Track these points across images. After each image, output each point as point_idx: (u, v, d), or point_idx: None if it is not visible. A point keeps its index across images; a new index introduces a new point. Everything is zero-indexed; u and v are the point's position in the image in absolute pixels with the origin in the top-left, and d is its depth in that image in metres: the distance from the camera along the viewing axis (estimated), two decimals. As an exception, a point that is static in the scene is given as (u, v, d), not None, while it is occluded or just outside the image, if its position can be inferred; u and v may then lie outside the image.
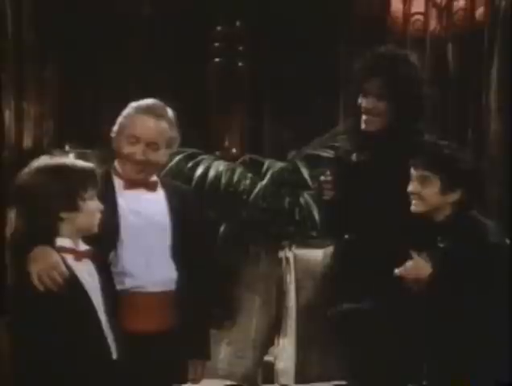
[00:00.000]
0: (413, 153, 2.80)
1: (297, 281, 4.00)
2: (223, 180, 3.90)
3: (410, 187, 2.68)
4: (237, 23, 4.57)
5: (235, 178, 3.91)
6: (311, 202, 3.88)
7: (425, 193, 2.66)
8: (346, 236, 2.85)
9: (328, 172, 2.88)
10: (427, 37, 4.74)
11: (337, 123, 4.58)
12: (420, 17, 4.79)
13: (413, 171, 2.70)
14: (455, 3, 4.75)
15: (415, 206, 2.68)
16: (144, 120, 2.72)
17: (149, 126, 2.71)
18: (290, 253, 4.00)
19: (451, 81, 4.70)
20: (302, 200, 3.91)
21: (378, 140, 2.85)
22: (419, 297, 2.63)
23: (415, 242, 2.66)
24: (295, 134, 4.63)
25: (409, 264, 2.61)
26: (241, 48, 4.59)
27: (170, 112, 2.81)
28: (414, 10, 4.80)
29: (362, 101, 2.85)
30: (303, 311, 3.98)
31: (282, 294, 3.99)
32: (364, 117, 2.84)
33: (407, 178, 2.74)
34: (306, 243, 4.00)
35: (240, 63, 4.59)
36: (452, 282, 2.57)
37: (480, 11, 4.71)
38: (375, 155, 2.86)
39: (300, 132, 4.62)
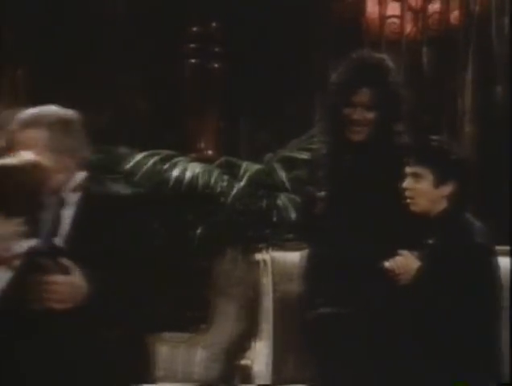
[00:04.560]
0: (394, 154, 2.80)
1: (274, 283, 3.97)
2: (200, 182, 3.86)
3: (405, 184, 2.69)
4: (213, 24, 4.53)
5: (212, 180, 3.88)
6: (288, 204, 3.86)
7: (419, 189, 2.66)
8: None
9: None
10: (403, 40, 4.75)
11: (313, 125, 4.57)
12: (396, 20, 4.80)
13: (407, 168, 2.70)
14: (430, 6, 4.77)
15: (413, 205, 2.68)
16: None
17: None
18: (266, 256, 3.98)
19: (426, 84, 4.72)
20: (279, 202, 3.89)
21: (361, 145, 2.84)
22: (401, 296, 2.62)
23: (404, 240, 2.65)
24: (271, 136, 4.61)
25: (398, 257, 2.61)
26: (216, 49, 4.56)
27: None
28: (389, 12, 4.81)
29: (350, 112, 2.82)
30: (279, 314, 3.95)
31: (258, 297, 3.96)
32: (351, 128, 2.83)
33: (391, 178, 2.74)
34: (283, 245, 3.98)
35: (216, 65, 4.56)
36: (436, 279, 2.57)
37: (454, 14, 4.74)
38: (357, 159, 2.85)
39: (276, 134, 4.60)
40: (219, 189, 3.89)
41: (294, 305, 3.93)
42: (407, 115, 2.96)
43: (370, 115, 2.83)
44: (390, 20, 4.81)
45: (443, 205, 2.66)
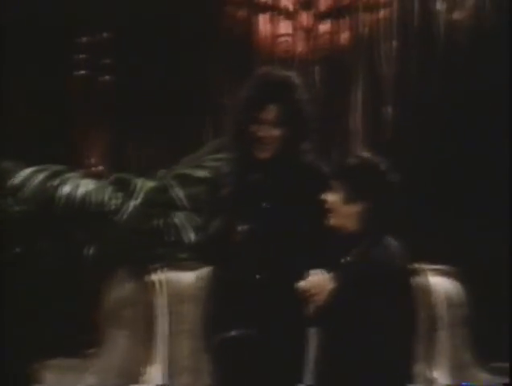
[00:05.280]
0: (301, 172, 2.76)
1: (168, 305, 3.84)
2: (93, 200, 3.68)
3: (323, 195, 2.64)
4: (104, 34, 4.37)
5: (105, 197, 3.71)
6: (184, 222, 3.75)
7: (331, 202, 2.62)
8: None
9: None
10: (295, 58, 4.77)
11: (204, 141, 4.50)
12: (287, 38, 4.81)
13: (328, 181, 2.66)
14: (321, 27, 4.82)
15: (328, 218, 2.63)
16: None
17: None
18: (161, 276, 3.84)
19: (317, 103, 4.74)
20: (176, 221, 3.78)
21: (267, 162, 2.77)
22: (314, 316, 2.57)
23: (321, 259, 2.60)
24: (162, 152, 4.49)
25: (312, 277, 2.56)
26: (107, 61, 4.39)
27: None
28: (281, 31, 4.82)
29: (255, 129, 2.74)
30: (174, 337, 3.82)
31: (152, 319, 3.81)
32: (256, 145, 2.75)
33: (300, 196, 2.69)
34: (178, 265, 3.86)
35: (106, 77, 4.39)
36: (349, 300, 2.53)
37: (345, 36, 4.80)
38: (264, 177, 2.77)
39: (167, 150, 4.49)
40: (113, 207, 3.73)
41: (189, 327, 3.84)
42: (314, 133, 2.91)
43: (276, 132, 2.76)
44: (281, 38, 4.82)
45: (355, 223, 2.62)
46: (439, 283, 4.00)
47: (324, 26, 4.81)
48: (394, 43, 4.76)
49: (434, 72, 4.69)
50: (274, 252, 2.70)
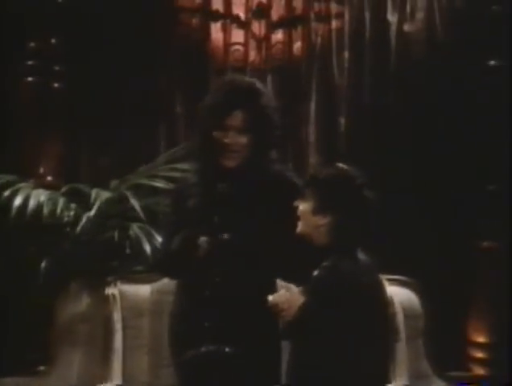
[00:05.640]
0: (269, 182, 2.71)
1: (124, 319, 3.72)
2: (45, 211, 3.55)
3: (295, 203, 2.59)
4: (53, 40, 4.22)
5: (58, 209, 3.57)
6: (141, 234, 3.64)
7: (301, 210, 2.57)
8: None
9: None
10: (247, 67, 4.72)
11: (158, 151, 4.41)
12: (240, 47, 4.77)
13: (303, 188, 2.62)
14: (273, 36, 4.79)
15: (298, 226, 2.57)
16: None
17: None
18: (115, 290, 3.73)
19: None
20: (131, 232, 3.66)
21: (235, 171, 2.71)
22: (282, 330, 2.51)
23: (290, 272, 2.54)
24: (115, 162, 4.37)
25: (282, 292, 2.49)
26: (56, 68, 4.25)
27: None
28: (233, 40, 4.77)
29: (221, 136, 2.68)
30: (130, 353, 3.71)
31: (107, 335, 3.69)
32: (223, 153, 2.68)
33: (269, 208, 2.64)
34: (133, 278, 3.76)
35: (55, 84, 4.25)
36: (318, 315, 2.48)
37: (297, 45, 4.78)
38: (232, 186, 2.71)
39: (120, 159, 4.38)
40: (66, 218, 3.60)
41: (146, 342, 3.73)
42: (280, 141, 2.86)
43: (243, 139, 2.71)
44: (234, 47, 4.77)
45: (323, 235, 2.57)
46: (397, 293, 3.99)
47: (277, 36, 4.79)
48: (347, 54, 4.76)
49: (386, 82, 4.71)
50: (242, 265, 2.64)
